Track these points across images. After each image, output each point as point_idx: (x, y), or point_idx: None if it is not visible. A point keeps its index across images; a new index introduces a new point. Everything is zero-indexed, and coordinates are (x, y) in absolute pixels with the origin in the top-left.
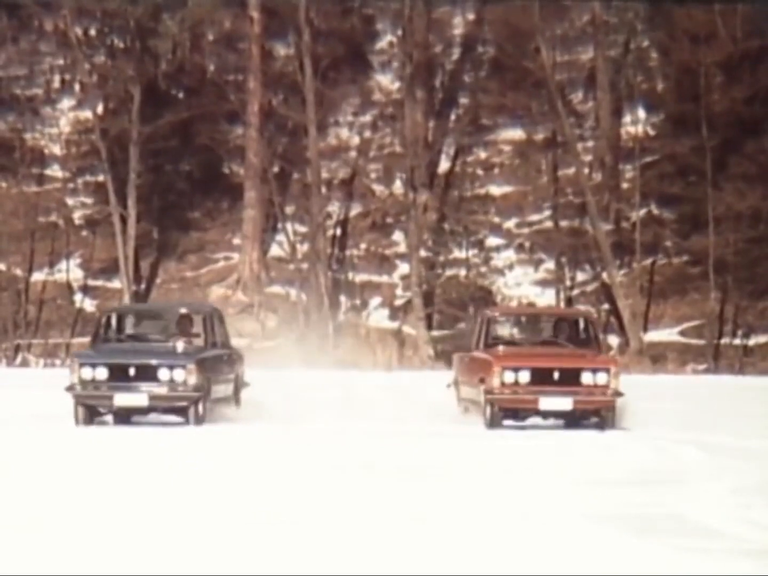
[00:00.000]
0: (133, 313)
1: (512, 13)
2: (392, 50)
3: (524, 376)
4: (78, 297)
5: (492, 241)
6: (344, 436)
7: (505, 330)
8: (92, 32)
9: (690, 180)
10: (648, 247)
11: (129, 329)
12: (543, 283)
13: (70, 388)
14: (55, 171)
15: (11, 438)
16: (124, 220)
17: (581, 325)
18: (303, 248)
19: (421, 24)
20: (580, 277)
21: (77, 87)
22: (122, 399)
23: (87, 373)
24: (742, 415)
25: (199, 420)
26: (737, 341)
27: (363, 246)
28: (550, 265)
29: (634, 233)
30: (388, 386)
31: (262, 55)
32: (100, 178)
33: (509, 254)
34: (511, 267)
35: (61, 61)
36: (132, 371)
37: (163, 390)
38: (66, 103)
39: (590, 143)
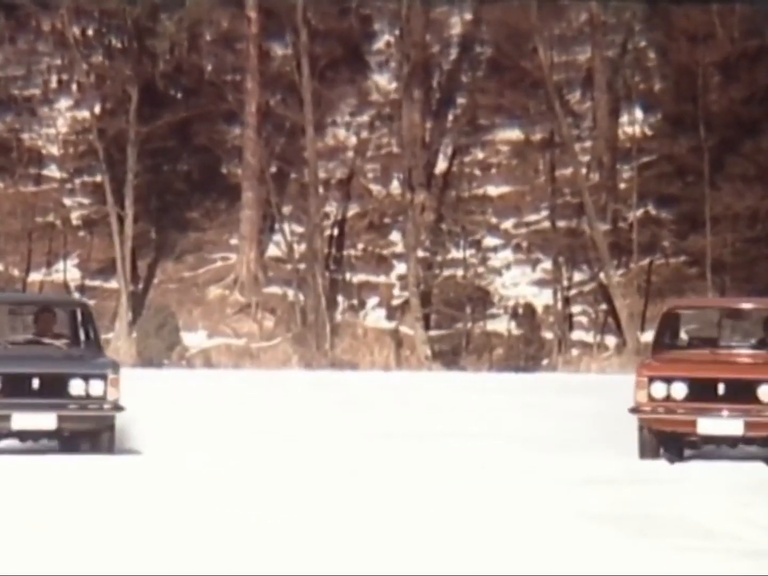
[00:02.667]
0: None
1: (510, 13)
2: (389, 50)
3: (677, 390)
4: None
5: (489, 241)
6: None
7: (702, 330)
8: (90, 32)
9: (687, 180)
10: (645, 247)
11: None
12: (540, 283)
13: None
14: (52, 171)
15: None
16: (121, 220)
17: None
18: (300, 248)
19: (418, 24)
20: (578, 277)
21: (75, 87)
22: (23, 420)
23: None
24: None
25: (113, 447)
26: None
27: (360, 246)
28: (547, 265)
29: (632, 233)
30: (387, 386)
31: (259, 55)
32: (98, 178)
33: (507, 254)
34: (508, 267)
35: (58, 61)
36: (35, 383)
37: (77, 408)
38: (63, 103)
39: (588, 143)
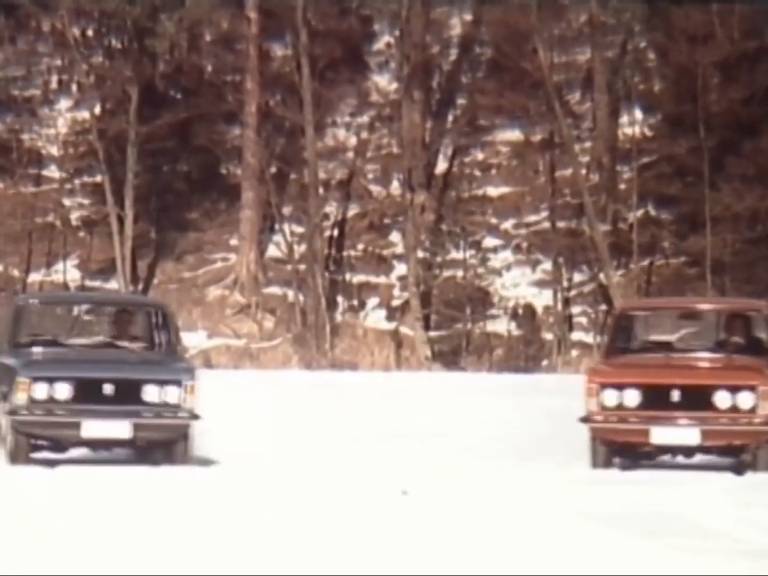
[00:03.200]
0: (58, 305)
1: (510, 14)
2: (390, 51)
3: (629, 397)
4: None
5: (489, 242)
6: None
7: (655, 333)
8: (90, 33)
9: (687, 181)
10: (645, 248)
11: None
12: (540, 284)
13: (12, 412)
14: (52, 172)
15: None
16: (121, 220)
17: (757, 323)
18: (300, 249)
19: (418, 25)
20: (578, 277)
21: (75, 87)
22: (94, 429)
23: (39, 390)
24: None
25: (188, 457)
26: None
27: (360, 247)
28: (547, 265)
29: (632, 234)
30: (387, 387)
31: (259, 55)
32: (98, 178)
33: (506, 255)
34: (508, 268)
35: (58, 62)
36: (108, 389)
37: (152, 416)
38: (63, 103)
39: (587, 144)
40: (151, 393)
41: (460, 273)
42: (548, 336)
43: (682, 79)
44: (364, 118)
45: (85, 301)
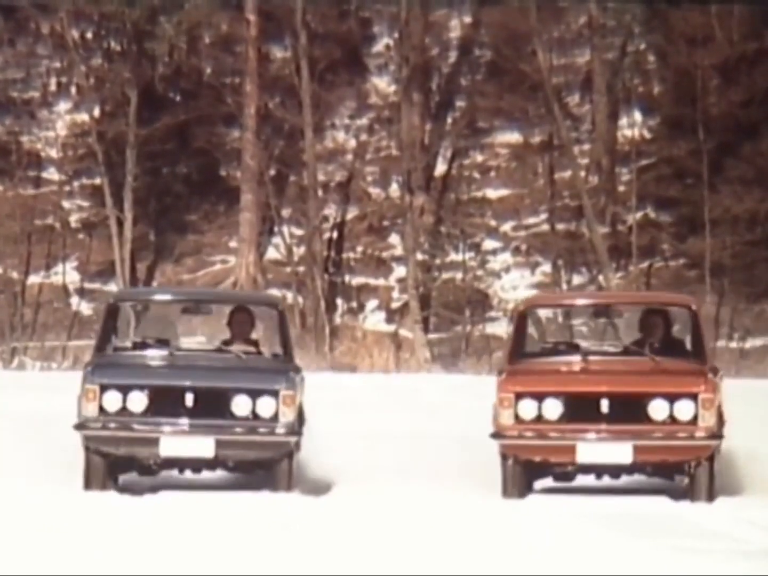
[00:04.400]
0: (156, 301)
1: (509, 16)
2: (389, 53)
3: (552, 409)
4: (74, 300)
5: (488, 244)
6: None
7: (562, 332)
8: (89, 35)
9: (687, 183)
10: (644, 250)
11: (153, 329)
12: (539, 286)
13: (81, 426)
14: (51, 174)
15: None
16: (120, 222)
17: (685, 320)
18: (299, 251)
19: (417, 27)
20: (577, 280)
21: (74, 90)
22: (174, 446)
23: (113, 400)
24: (742, 418)
25: (292, 482)
26: (733, 344)
27: (359, 249)
28: (546, 268)
29: (631, 236)
30: (386, 389)
31: (258, 58)
32: (97, 181)
33: (506, 257)
34: (507, 270)
35: (57, 64)
36: (189, 400)
37: (241, 432)
38: (62, 105)
39: (586, 146)
40: (240, 404)
41: (459, 275)
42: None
43: (681, 81)
44: (363, 121)
45: (189, 298)
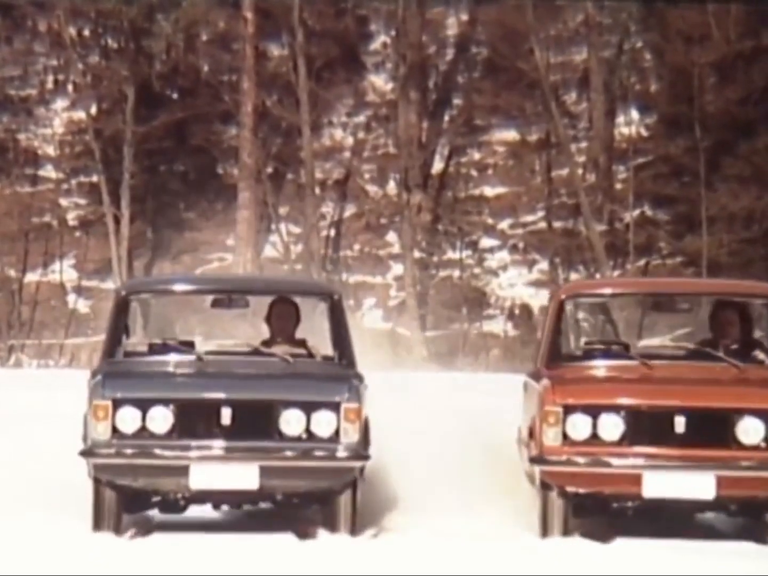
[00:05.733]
0: (176, 291)
1: (506, 13)
2: (386, 51)
3: (610, 427)
4: (71, 298)
5: (486, 242)
6: None
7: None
8: (86, 33)
9: (683, 181)
10: (641, 248)
11: (175, 329)
12: (537, 284)
13: (89, 452)
14: (48, 172)
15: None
16: (117, 220)
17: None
18: (297, 249)
19: (414, 25)
20: (574, 278)
21: (71, 87)
22: (207, 476)
23: (129, 419)
24: None
25: (355, 519)
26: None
27: (357, 247)
28: (543, 266)
29: (628, 234)
30: (383, 387)
31: (255, 55)
32: (94, 178)
33: (503, 255)
34: (505, 268)
35: (54, 62)
36: (226, 417)
37: (291, 456)
38: (60, 103)
39: (584, 144)
40: (290, 421)
41: (456, 273)
42: None
43: (678, 79)
44: (361, 118)
45: (218, 288)
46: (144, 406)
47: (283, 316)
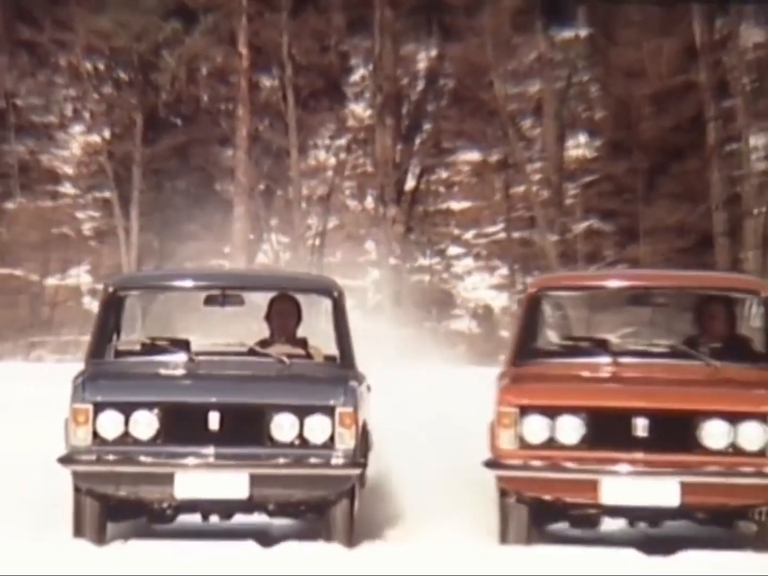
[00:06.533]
0: (168, 287)
1: (469, 51)
2: (364, 83)
3: (568, 430)
4: (86, 299)
5: (452, 250)
6: None
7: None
8: (101, 67)
9: (625, 197)
10: (589, 256)
11: (164, 327)
12: (498, 287)
13: (68, 459)
14: (67, 188)
15: None
16: (127, 231)
17: (754, 311)
18: (286, 256)
19: (389, 60)
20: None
21: (87, 115)
22: (192, 484)
23: (111, 424)
24: None
25: (352, 530)
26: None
27: (339, 254)
28: (503, 271)
29: (577, 244)
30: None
31: (249, 86)
32: (107, 194)
33: (468, 262)
34: (469, 273)
35: (73, 92)
36: (213, 422)
37: (283, 463)
38: (77, 129)
39: (538, 165)
40: (282, 427)
41: (426, 278)
42: (504, 333)
43: (619, 109)
44: (342, 141)
45: (212, 283)
46: (127, 410)
47: (283, 314)
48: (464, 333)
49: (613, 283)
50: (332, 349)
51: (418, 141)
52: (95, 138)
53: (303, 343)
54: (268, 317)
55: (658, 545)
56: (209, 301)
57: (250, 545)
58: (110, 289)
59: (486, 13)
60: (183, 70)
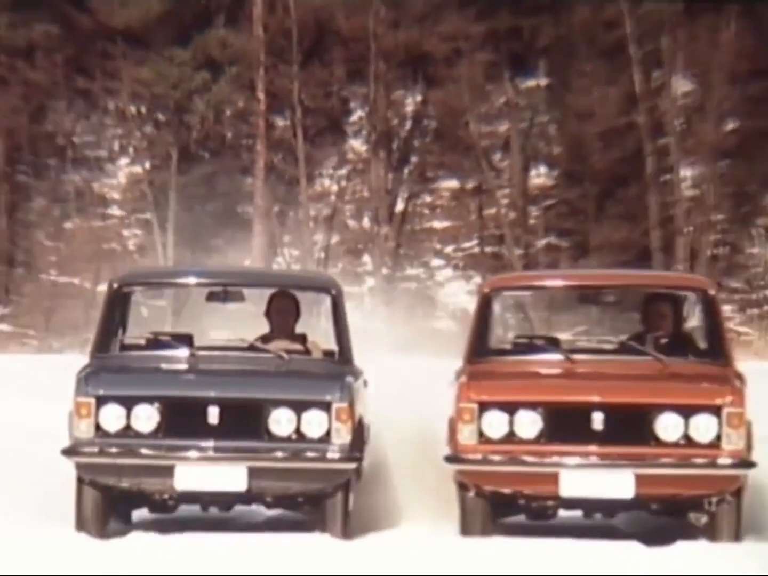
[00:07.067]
0: (172, 284)
1: (449, 96)
2: (361, 123)
3: (526, 424)
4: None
5: (435, 262)
6: None
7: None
8: (143, 110)
9: (578, 218)
10: (549, 267)
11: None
12: (473, 293)
13: (72, 451)
14: (114, 211)
15: None
16: (164, 246)
17: (699, 308)
18: (296, 267)
19: (382, 104)
20: None
21: (131, 150)
22: (192, 476)
23: (113, 417)
24: None
25: (348, 522)
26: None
27: (340, 265)
28: (478, 279)
29: (539, 257)
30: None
31: (266, 126)
32: (148, 215)
33: (447, 272)
34: (449, 281)
35: (119, 131)
36: (213, 416)
37: (281, 457)
38: (123, 161)
39: (506, 191)
40: (280, 421)
41: (413, 285)
42: None
43: (573, 144)
44: (343, 171)
45: (214, 281)
46: (128, 403)
47: (283, 311)
48: (444, 331)
49: (564, 283)
50: (334, 346)
51: (406, 171)
52: (138, 169)
53: (302, 338)
54: (268, 314)
55: (612, 536)
56: (211, 297)
57: (249, 537)
58: (114, 285)
59: (462, 65)
60: (211, 113)
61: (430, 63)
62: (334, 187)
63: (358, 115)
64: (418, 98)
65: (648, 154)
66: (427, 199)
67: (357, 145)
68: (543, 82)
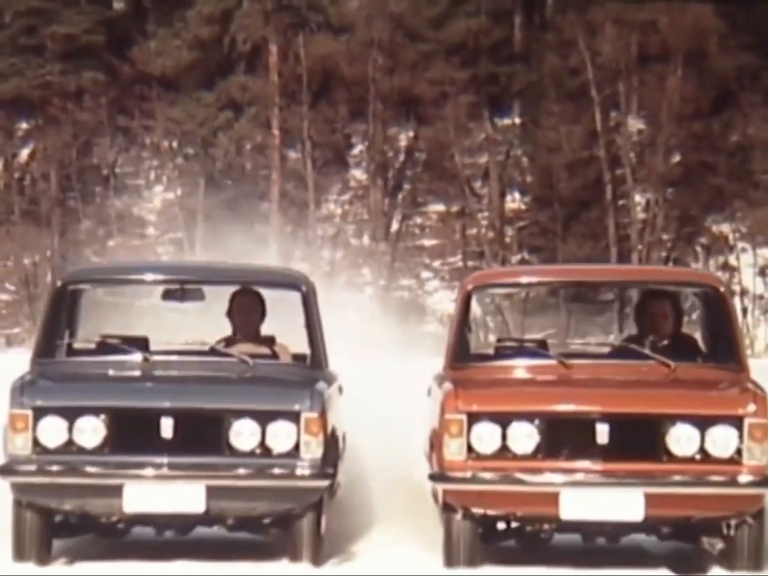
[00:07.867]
0: (123, 281)
1: (437, 132)
2: (362, 155)
3: (522, 437)
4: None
5: (425, 274)
6: None
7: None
8: (175, 144)
9: (547, 237)
10: None
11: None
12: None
13: (5, 470)
14: (150, 231)
15: None
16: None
17: (707, 307)
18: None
19: (379, 139)
20: None
21: (165, 179)
22: (143, 496)
23: (53, 430)
24: None
25: (320, 546)
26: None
27: (344, 277)
28: None
29: None
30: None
31: (280, 158)
32: (179, 235)
33: (435, 283)
34: (437, 291)
35: (155, 163)
36: (167, 429)
37: (243, 474)
38: (158, 188)
39: (486, 214)
40: (242, 434)
41: (406, 294)
42: None
43: (544, 174)
44: (346, 197)
45: (170, 277)
46: (70, 415)
47: (246, 310)
48: (433, 334)
49: (554, 279)
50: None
51: (400, 196)
52: (170, 195)
53: (269, 341)
54: (230, 314)
55: (614, 564)
56: (167, 295)
57: (207, 566)
58: (58, 283)
59: (448, 105)
60: (233, 147)
61: (420, 104)
62: (339, 210)
63: (359, 148)
64: (411, 134)
65: (607, 183)
66: (418, 220)
67: (358, 174)
68: (517, 120)
